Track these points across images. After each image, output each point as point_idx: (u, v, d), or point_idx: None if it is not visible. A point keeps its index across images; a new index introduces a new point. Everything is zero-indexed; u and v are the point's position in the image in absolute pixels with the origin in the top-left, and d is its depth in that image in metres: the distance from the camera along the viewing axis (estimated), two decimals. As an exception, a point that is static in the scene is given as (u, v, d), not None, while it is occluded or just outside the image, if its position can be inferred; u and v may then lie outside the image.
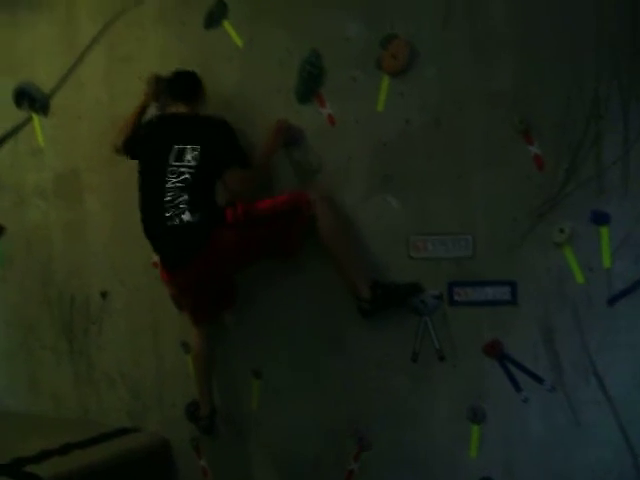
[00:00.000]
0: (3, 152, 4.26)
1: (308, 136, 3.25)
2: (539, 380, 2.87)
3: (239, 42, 3.41)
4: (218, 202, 3.16)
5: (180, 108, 3.27)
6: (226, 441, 3.62)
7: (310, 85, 3.22)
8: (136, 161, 3.30)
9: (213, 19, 3.49)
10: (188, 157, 3.09)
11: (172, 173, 3.09)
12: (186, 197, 3.05)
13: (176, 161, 3.10)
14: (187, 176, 3.07)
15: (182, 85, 3.34)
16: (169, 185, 3.08)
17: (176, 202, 3.06)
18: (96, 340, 4.02)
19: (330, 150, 3.21)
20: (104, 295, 3.93)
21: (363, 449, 3.24)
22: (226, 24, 3.44)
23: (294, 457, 3.44)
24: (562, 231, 2.79)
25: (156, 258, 3.37)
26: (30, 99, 4.13)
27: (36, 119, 4.13)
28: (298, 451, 3.42)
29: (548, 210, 2.81)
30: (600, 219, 2.74)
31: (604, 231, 2.73)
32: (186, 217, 3.03)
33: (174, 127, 3.24)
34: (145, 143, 3.30)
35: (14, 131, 4.19)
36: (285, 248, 3.19)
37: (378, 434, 3.20)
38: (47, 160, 4.09)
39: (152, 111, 3.50)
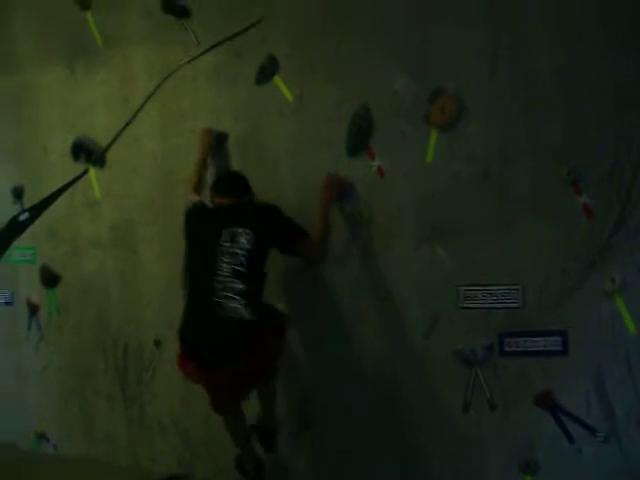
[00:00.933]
0: (60, 203, 4.39)
1: (358, 188, 3.32)
2: (592, 431, 2.85)
3: (289, 97, 3.50)
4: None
5: (227, 201, 3.24)
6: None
7: (360, 138, 3.30)
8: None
9: (264, 74, 3.59)
10: (242, 240, 3.08)
11: (225, 254, 3.06)
12: (241, 286, 3.02)
13: (229, 242, 3.09)
14: (242, 259, 3.04)
15: (231, 184, 3.31)
16: (222, 267, 3.05)
17: (229, 287, 3.02)
18: (149, 387, 4.08)
19: (380, 201, 3.27)
20: (157, 343, 4.00)
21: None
22: (277, 79, 3.54)
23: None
24: (613, 281, 2.80)
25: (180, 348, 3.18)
26: (87, 153, 4.27)
27: (92, 172, 4.26)
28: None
29: (598, 259, 2.82)
30: (650, 269, 2.74)
31: (655, 280, 2.74)
32: (244, 313, 2.99)
33: (225, 211, 3.21)
34: (195, 225, 3.30)
35: (71, 183, 4.33)
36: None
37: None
38: (102, 211, 4.20)
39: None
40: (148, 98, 3.99)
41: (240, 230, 3.10)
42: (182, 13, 3.83)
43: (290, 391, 3.59)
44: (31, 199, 4.56)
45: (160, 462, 4.05)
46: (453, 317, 3.11)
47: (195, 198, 3.44)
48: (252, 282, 3.06)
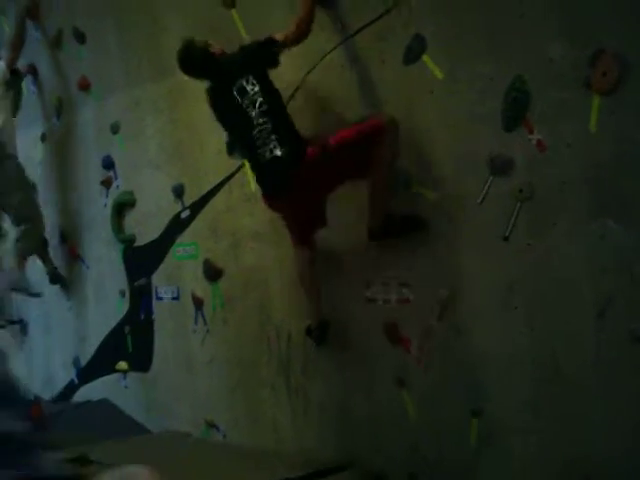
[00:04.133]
0: (219, 199, 4.51)
1: (518, 164, 3.15)
2: None
3: (439, 74, 3.39)
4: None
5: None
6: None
7: (516, 111, 3.14)
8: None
9: (412, 54, 3.50)
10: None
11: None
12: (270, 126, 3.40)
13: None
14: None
15: None
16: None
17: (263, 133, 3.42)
18: (313, 376, 4.10)
19: (542, 177, 3.09)
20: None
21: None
22: (425, 58, 3.44)
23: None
24: None
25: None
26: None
27: (248, 167, 4.33)
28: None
29: None
30: None
31: None
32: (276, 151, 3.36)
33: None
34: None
35: (228, 179, 4.43)
36: (372, 173, 3.38)
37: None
38: (260, 204, 4.25)
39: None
40: (297, 89, 3.99)
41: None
42: (327, 1, 3.80)
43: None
44: (191, 196, 4.72)
45: (325, 450, 4.06)
46: (629, 295, 2.88)
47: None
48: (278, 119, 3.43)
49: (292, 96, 4.00)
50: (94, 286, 5.61)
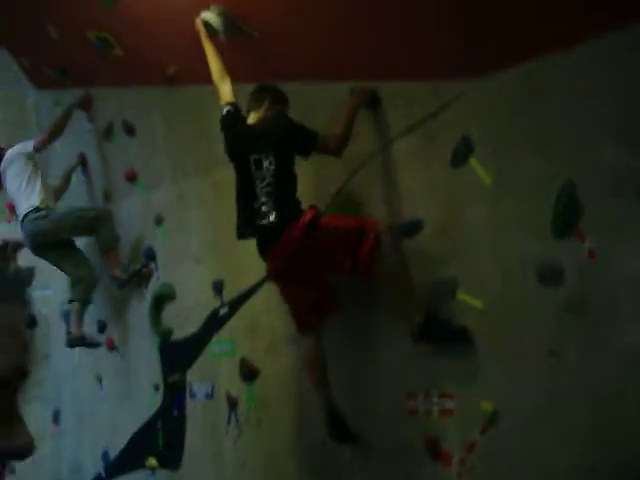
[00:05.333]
0: (258, 298, 4.41)
1: (568, 273, 3.00)
2: None
3: (487, 178, 3.30)
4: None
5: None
6: None
7: (567, 218, 3.01)
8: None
9: (459, 157, 3.42)
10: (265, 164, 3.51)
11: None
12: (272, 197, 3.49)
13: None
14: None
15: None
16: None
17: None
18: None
19: (593, 288, 2.94)
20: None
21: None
22: (472, 160, 3.36)
23: None
24: None
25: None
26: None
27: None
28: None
29: None
30: None
31: None
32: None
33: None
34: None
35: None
36: (357, 266, 3.40)
37: None
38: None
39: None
40: (340, 189, 3.90)
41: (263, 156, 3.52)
42: (372, 102, 3.77)
43: None
44: (231, 292, 4.64)
45: None
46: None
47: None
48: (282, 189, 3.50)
49: (335, 196, 3.93)
50: (128, 378, 5.51)
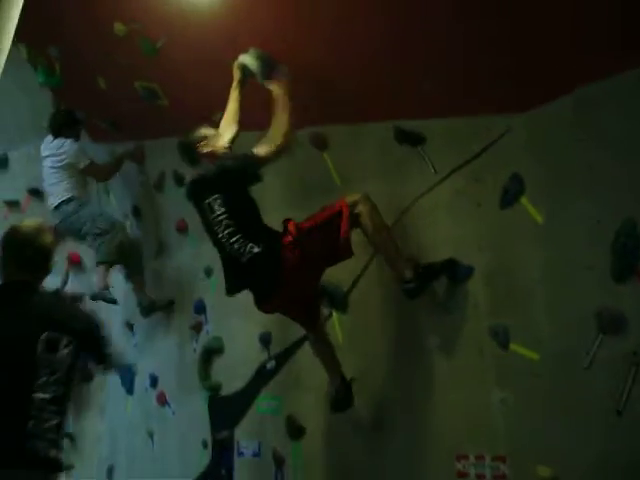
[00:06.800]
0: (304, 351, 4.19)
1: (631, 320, 2.73)
2: None
3: (539, 218, 3.06)
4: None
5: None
6: None
7: (627, 259, 2.77)
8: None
9: (509, 196, 3.23)
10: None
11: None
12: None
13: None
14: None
15: None
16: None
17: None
18: None
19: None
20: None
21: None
22: (524, 200, 3.14)
23: None
24: None
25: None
26: (330, 297, 4.09)
27: (336, 316, 4.06)
28: None
29: None
30: None
31: None
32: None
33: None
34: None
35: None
36: (340, 250, 3.36)
37: None
38: (346, 358, 3.93)
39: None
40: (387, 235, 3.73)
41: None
42: (417, 141, 3.59)
43: None
44: (278, 346, 4.45)
45: None
46: None
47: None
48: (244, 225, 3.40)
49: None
50: (178, 434, 5.34)
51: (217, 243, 3.50)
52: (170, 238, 5.61)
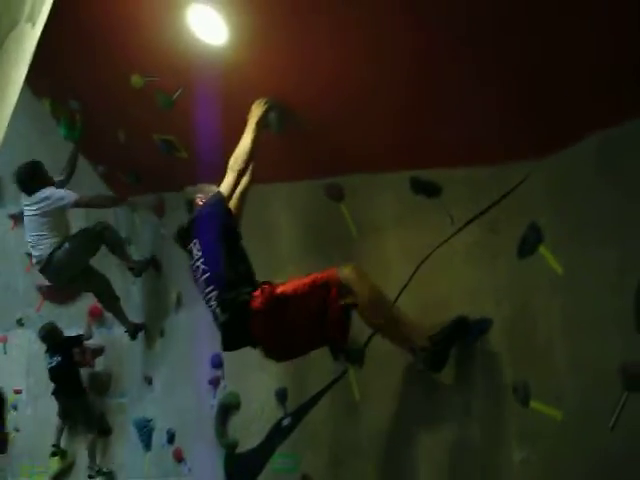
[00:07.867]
0: (320, 408, 4.05)
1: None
2: None
3: (559, 268, 2.94)
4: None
5: None
6: None
7: (651, 310, 2.60)
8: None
9: (527, 246, 3.12)
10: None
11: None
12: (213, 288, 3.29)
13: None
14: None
15: None
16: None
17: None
18: None
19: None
20: None
21: None
22: (542, 249, 3.02)
23: None
24: None
25: None
26: (346, 352, 3.96)
27: (352, 372, 3.92)
28: None
29: None
30: None
31: None
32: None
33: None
34: None
35: (330, 385, 4.00)
36: (330, 330, 3.15)
37: None
38: (362, 415, 3.79)
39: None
40: (404, 287, 3.60)
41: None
42: (433, 192, 3.51)
43: None
44: (294, 401, 4.31)
45: None
46: None
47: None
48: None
49: (401, 292, 3.62)
50: (195, 493, 5.19)
51: (201, 294, 3.46)
52: (189, 291, 5.54)
